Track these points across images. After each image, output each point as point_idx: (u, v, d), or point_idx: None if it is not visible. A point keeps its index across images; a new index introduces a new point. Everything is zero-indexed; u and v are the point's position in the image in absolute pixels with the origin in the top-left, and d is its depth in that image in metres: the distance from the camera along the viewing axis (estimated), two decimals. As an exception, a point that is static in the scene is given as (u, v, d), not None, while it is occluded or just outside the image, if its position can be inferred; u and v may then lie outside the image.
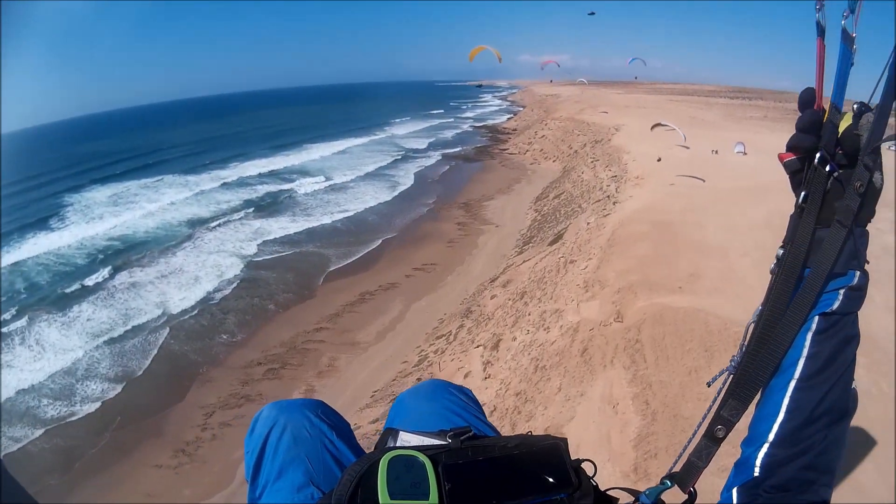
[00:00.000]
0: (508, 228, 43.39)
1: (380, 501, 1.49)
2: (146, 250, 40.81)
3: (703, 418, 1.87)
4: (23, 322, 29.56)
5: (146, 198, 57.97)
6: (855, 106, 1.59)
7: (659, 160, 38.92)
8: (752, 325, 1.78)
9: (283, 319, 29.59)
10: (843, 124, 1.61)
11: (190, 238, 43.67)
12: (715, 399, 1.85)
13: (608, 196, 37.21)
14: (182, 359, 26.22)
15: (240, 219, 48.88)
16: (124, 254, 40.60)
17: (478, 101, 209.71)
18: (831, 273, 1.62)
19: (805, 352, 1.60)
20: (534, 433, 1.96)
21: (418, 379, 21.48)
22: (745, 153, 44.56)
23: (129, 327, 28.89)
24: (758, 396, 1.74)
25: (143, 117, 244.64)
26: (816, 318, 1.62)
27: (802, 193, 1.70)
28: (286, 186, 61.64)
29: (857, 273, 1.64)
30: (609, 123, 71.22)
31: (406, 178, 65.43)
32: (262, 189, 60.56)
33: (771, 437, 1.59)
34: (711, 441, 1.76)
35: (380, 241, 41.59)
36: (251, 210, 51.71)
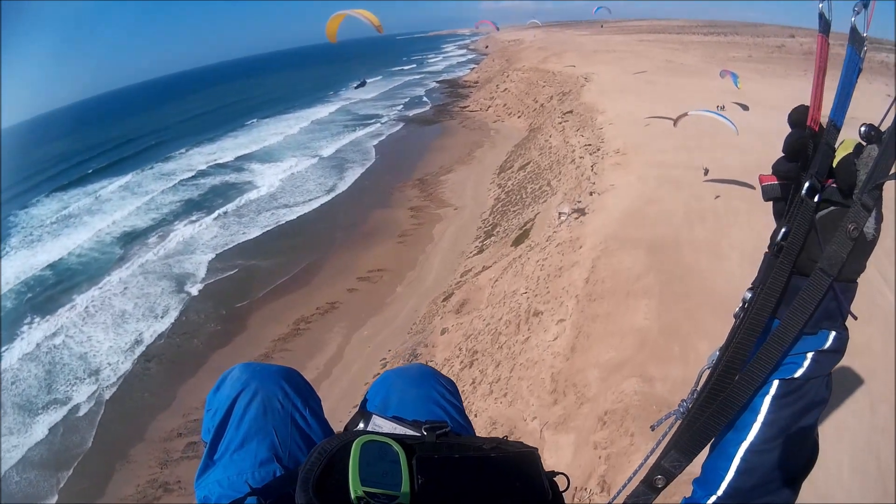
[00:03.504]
0: (468, 211, 39.14)
1: (350, 488, 1.38)
2: (75, 282, 37.82)
3: (645, 460, 1.80)
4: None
5: (87, 210, 54.85)
6: (862, 129, 1.39)
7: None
8: (707, 371, 1.65)
9: (207, 366, 26.13)
10: (842, 152, 1.44)
11: (122, 260, 40.39)
12: (659, 442, 1.74)
13: (583, 178, 31.23)
14: (103, 434, 23.40)
15: (177, 230, 45.02)
16: (52, 291, 37.35)
17: (440, 52, 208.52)
18: (802, 330, 1.47)
19: (761, 417, 1.50)
20: (509, 438, 1.92)
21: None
22: (747, 107, 38.28)
23: (51, 398, 25.94)
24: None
25: (103, 107, 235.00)
26: (776, 382, 1.50)
27: (783, 230, 1.51)
28: (234, 178, 58.48)
29: (832, 334, 1.48)
30: (577, 72, 65.42)
31: (363, 155, 61.05)
32: (208, 184, 57.25)
33: (720, 491, 1.54)
34: (650, 489, 1.63)
35: (323, 247, 37.31)
36: (191, 218, 47.44)
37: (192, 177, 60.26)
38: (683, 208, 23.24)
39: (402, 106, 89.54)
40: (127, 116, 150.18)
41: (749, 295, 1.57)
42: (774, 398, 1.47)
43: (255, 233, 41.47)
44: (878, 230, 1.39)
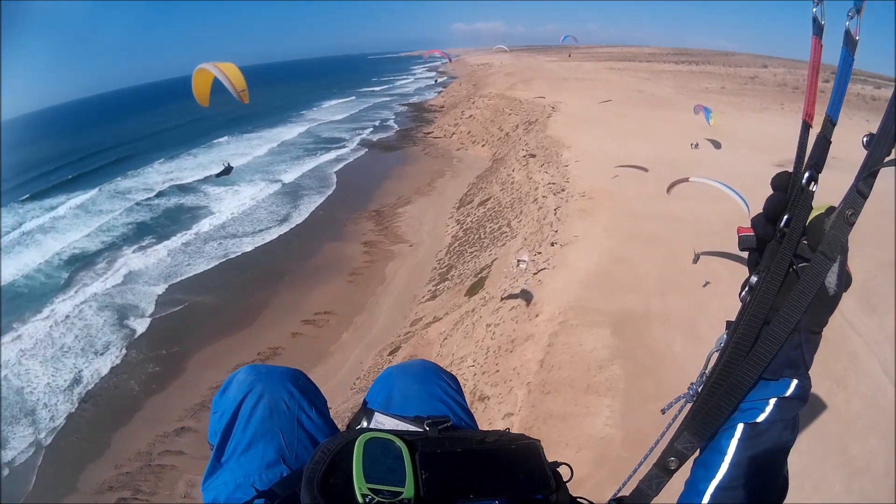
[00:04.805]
0: (424, 248, 37.58)
1: (355, 485, 1.40)
2: (18, 310, 35.91)
3: (656, 444, 1.79)
4: None
5: (41, 227, 53.51)
6: (864, 139, 1.45)
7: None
8: (716, 353, 1.68)
9: (144, 413, 25.24)
10: (815, 213, 1.54)
11: (67, 287, 39.10)
12: (669, 426, 1.77)
13: (545, 223, 29.50)
14: (42, 477, 22.53)
15: (125, 256, 43.44)
16: (-4, 316, 36.03)
17: (411, 74, 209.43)
18: (768, 368, 1.53)
19: (727, 458, 1.54)
20: (511, 430, 1.93)
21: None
22: (719, 144, 36.81)
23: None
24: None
25: (75, 114, 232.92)
26: (740, 425, 1.54)
27: (785, 217, 1.56)
28: (191, 201, 57.16)
29: (794, 382, 1.53)
30: (544, 101, 64.57)
31: (323, 182, 59.85)
32: (163, 206, 56.13)
33: None
34: (663, 472, 1.64)
35: (271, 283, 35.75)
36: (141, 244, 46.01)
37: (149, 198, 58.87)
38: (656, 270, 21.40)
39: (369, 129, 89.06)
40: (98, 125, 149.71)
41: (755, 279, 1.57)
42: (740, 440, 1.51)
43: (203, 266, 40.04)
44: (839, 286, 1.45)
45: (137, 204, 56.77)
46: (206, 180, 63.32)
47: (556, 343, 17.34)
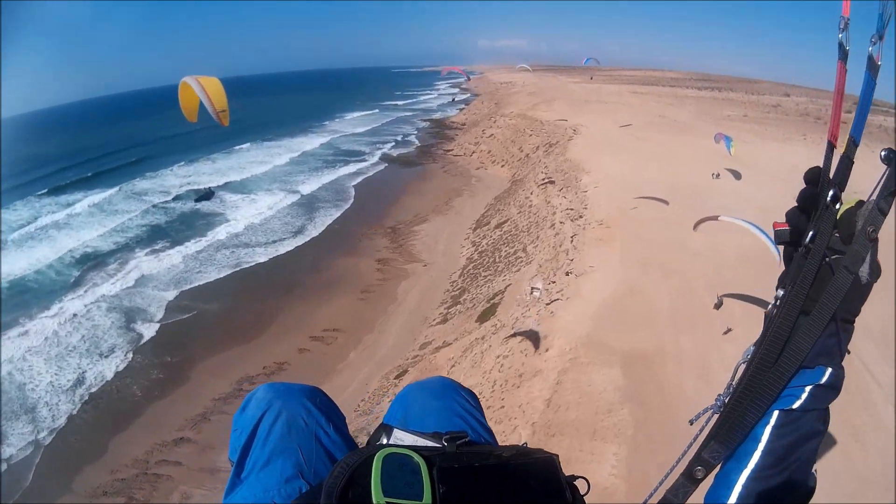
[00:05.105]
0: (438, 270, 37.07)
1: (373, 499, 1.44)
2: (26, 307, 35.85)
3: (683, 454, 1.83)
4: None
5: (56, 224, 53.37)
6: (882, 153, 1.52)
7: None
8: (743, 365, 1.72)
9: (144, 419, 25.14)
10: (845, 207, 1.60)
11: (76, 286, 38.89)
12: (696, 436, 1.77)
13: (561, 250, 29.03)
14: (39, 474, 22.53)
15: (137, 259, 43.43)
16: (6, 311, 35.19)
17: (434, 89, 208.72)
18: (806, 357, 1.59)
19: (761, 445, 1.58)
20: (529, 445, 1.97)
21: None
22: (740, 175, 36.15)
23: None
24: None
25: (100, 111, 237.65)
26: (776, 412, 1.59)
27: (811, 233, 1.64)
28: (207, 208, 56.03)
29: (828, 370, 1.59)
30: (566, 124, 64.33)
31: (341, 195, 59.65)
32: (178, 210, 55.84)
33: None
34: (690, 481, 1.69)
35: (282, 295, 35.29)
36: (154, 247, 46.03)
37: (166, 201, 58.70)
38: (670, 304, 20.74)
39: (390, 144, 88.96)
40: (118, 124, 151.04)
41: (781, 292, 1.65)
42: (774, 427, 1.55)
43: (215, 274, 39.58)
44: (872, 275, 1.52)
45: (154, 206, 56.81)
46: (227, 186, 63.83)
47: (565, 381, 16.77)
